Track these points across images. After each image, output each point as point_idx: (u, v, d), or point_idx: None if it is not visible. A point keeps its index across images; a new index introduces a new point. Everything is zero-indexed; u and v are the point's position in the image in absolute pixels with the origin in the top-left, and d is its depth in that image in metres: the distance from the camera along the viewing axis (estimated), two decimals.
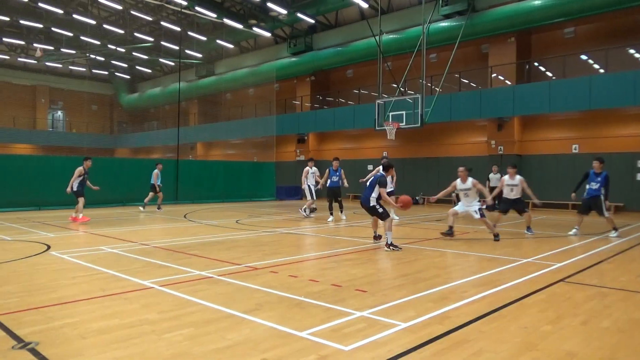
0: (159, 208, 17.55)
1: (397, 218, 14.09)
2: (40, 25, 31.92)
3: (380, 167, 9.93)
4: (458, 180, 9.88)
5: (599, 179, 10.51)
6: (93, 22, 29.75)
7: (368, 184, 8.97)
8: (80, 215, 12.70)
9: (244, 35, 30.55)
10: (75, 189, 12.63)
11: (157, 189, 17.26)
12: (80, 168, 12.69)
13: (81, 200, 12.74)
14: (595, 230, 11.85)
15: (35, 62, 37.41)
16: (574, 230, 10.87)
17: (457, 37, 19.82)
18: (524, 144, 20.65)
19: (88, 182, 12.98)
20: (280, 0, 24.48)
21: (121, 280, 5.91)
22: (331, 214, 14.00)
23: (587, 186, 10.70)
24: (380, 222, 9.16)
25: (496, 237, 9.73)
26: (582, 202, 10.89)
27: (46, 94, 42.08)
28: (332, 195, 14.04)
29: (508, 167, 11.34)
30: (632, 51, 18.90)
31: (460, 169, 9.88)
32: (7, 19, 30.47)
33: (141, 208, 17.16)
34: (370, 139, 25.76)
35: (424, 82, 18.58)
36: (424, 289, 5.50)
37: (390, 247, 8.45)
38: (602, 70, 19.50)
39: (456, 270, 6.68)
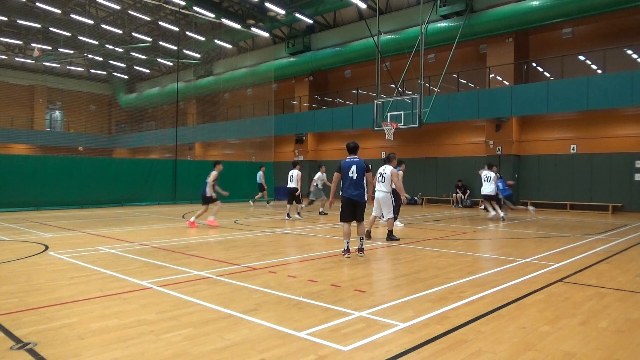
0: (268, 203, 20.41)
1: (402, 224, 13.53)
2: (38, 25, 31.87)
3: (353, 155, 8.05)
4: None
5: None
6: (91, 22, 29.70)
7: (355, 177, 7.74)
8: (212, 218, 12.69)
9: (242, 35, 30.53)
10: (208, 193, 12.49)
11: (264, 187, 19.88)
12: (215, 172, 12.57)
13: (218, 204, 12.65)
14: (595, 230, 11.89)
15: (33, 62, 37.33)
16: (493, 213, 14.53)
17: (455, 38, 19.85)
18: (522, 145, 20.69)
19: (217, 186, 12.77)
20: (278, 0, 24.48)
21: (119, 280, 5.90)
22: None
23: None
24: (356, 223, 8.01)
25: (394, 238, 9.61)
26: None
27: (44, 94, 41.97)
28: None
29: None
30: (629, 52, 18.94)
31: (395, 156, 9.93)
32: (4, 18, 30.41)
33: (251, 202, 19.94)
34: (368, 139, 25.76)
35: (422, 82, 18.60)
36: (422, 289, 5.51)
37: (359, 252, 7.82)
38: (600, 71, 19.54)
39: (455, 270, 6.69)
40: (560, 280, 6.12)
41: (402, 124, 18.30)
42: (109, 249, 8.35)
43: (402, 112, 18.38)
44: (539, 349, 3.68)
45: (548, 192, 19.71)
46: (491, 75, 21.14)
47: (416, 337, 3.87)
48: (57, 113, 43.70)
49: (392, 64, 22.16)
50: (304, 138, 28.02)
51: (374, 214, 9.93)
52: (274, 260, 7.37)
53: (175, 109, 25.81)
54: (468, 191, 21.05)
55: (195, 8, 25.40)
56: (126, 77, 43.96)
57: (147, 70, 42.64)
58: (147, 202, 20.29)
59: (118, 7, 29.38)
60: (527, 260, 7.55)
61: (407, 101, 18.22)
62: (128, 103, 44.20)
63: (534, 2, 18.60)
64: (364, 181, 7.75)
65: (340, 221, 7.88)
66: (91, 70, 42.59)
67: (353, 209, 7.76)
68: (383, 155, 24.95)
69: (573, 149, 19.33)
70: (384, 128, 18.41)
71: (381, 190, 9.63)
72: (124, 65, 41.51)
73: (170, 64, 38.10)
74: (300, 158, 28.06)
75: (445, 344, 3.74)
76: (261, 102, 31.03)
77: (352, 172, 7.72)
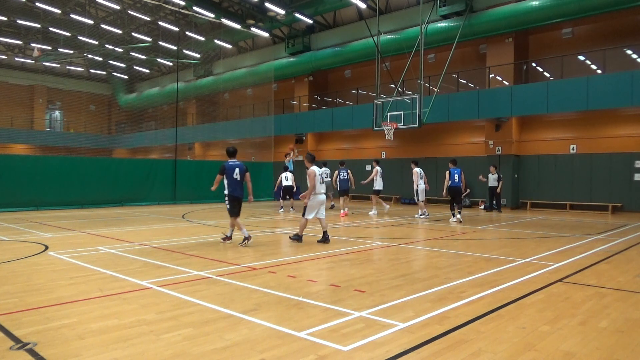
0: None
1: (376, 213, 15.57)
2: (38, 25, 31.88)
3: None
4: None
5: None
6: (91, 22, 29.70)
7: (238, 178, 8.88)
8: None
9: (242, 36, 30.53)
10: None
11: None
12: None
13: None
14: (594, 230, 11.89)
15: (33, 62, 37.32)
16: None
17: (455, 38, 19.85)
18: (522, 145, 20.69)
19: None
20: (278, 1, 24.48)
21: (119, 280, 5.90)
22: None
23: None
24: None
25: (296, 238, 9.41)
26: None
27: (44, 94, 41.96)
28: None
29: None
30: (629, 52, 18.93)
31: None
32: (4, 18, 30.41)
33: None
34: (368, 139, 25.78)
35: (422, 82, 18.59)
36: (422, 289, 5.51)
37: (227, 241, 9.21)
38: (599, 71, 19.53)
39: (454, 270, 6.69)
40: (560, 280, 6.13)
41: (402, 124, 18.29)
42: (109, 249, 8.35)
43: (402, 112, 18.36)
44: (538, 349, 3.68)
45: (548, 192, 19.70)
46: (491, 75, 21.14)
47: (416, 337, 3.87)
48: (57, 113, 43.68)
49: (392, 64, 22.16)
50: (304, 138, 28.01)
51: (318, 216, 9.32)
52: (274, 260, 7.37)
53: (175, 109, 25.81)
54: (468, 190, 21.02)
55: (195, 8, 25.39)
56: (126, 77, 43.95)
57: (147, 70, 42.63)
58: (147, 202, 20.29)
59: (118, 7, 29.38)
60: (526, 260, 7.55)
61: (407, 101, 18.21)
62: (128, 103, 44.19)
63: (534, 2, 18.59)
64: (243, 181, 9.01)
65: (232, 216, 8.96)
66: (91, 70, 42.59)
67: (239, 205, 9.00)
68: (383, 156, 25.08)
69: (573, 149, 19.33)
70: (384, 128, 18.40)
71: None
72: (123, 65, 41.50)
73: (170, 64, 38.10)
74: (300, 158, 28.04)
75: (445, 344, 3.74)
76: (261, 102, 31.02)
77: (236, 174, 8.88)
